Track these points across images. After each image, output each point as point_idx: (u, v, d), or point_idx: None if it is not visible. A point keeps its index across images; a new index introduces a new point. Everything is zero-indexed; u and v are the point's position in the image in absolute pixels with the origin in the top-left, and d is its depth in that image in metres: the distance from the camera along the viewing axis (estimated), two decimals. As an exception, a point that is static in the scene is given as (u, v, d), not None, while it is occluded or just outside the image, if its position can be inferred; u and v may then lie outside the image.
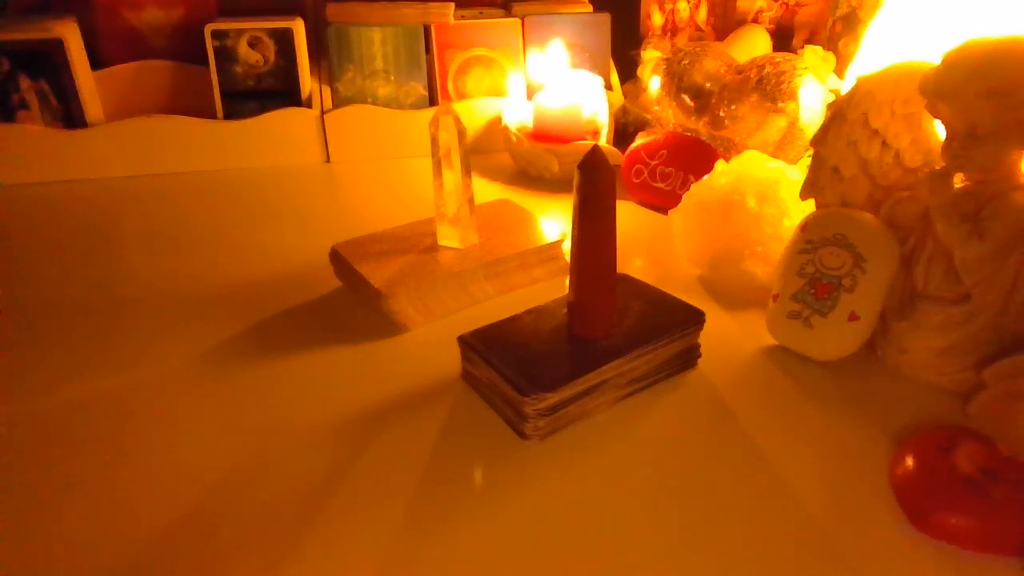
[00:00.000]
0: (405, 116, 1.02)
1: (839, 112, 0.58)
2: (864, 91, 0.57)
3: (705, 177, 0.72)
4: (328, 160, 1.03)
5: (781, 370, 0.57)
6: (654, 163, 0.85)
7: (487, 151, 1.04)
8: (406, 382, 0.56)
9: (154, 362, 0.59)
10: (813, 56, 0.83)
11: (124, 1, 1.01)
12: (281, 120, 0.99)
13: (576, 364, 0.50)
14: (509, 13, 1.08)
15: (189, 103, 1.01)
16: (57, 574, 0.41)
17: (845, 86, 0.84)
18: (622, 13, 1.16)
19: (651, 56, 1.04)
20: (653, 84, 0.92)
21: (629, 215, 0.85)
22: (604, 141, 0.98)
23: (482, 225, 0.70)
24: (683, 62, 0.88)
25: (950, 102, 0.51)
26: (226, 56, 0.98)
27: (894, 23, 0.77)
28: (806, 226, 0.59)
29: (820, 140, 0.59)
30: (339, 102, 1.02)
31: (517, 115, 0.99)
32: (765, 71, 0.81)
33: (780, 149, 0.81)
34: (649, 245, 0.78)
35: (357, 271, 0.64)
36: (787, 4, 1.01)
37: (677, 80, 0.88)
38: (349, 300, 0.67)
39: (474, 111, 1.03)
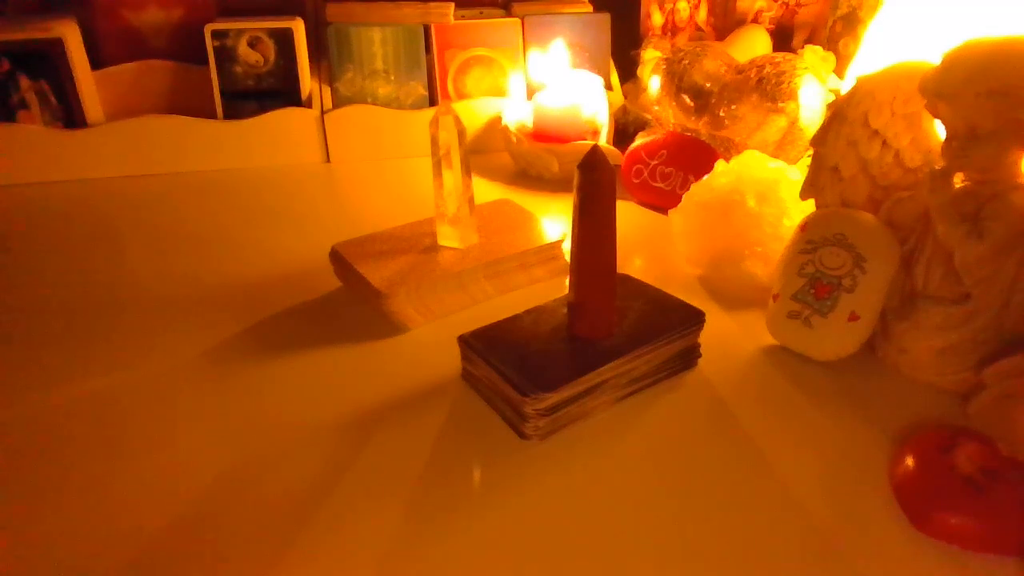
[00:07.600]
0: (405, 116, 1.02)
1: (839, 112, 0.58)
2: (864, 91, 0.57)
3: (705, 177, 0.72)
4: (328, 160, 1.03)
5: (781, 370, 0.57)
6: (654, 163, 0.85)
7: (487, 151, 1.03)
8: (406, 382, 0.56)
9: (154, 362, 0.59)
10: (813, 56, 0.83)
11: (124, 1, 1.01)
12: (281, 120, 0.99)
13: (576, 364, 0.50)
14: (509, 13, 1.08)
15: (189, 103, 1.01)
16: (56, 573, 0.41)
17: (845, 86, 0.84)
18: (622, 13, 1.16)
19: (651, 56, 1.04)
20: (653, 84, 0.92)
21: (629, 215, 0.85)
22: (604, 141, 0.98)
23: (482, 225, 0.70)
24: (683, 62, 0.88)
25: (950, 102, 0.51)
26: (226, 56, 0.98)
27: (894, 23, 0.77)
28: (806, 226, 0.59)
29: (820, 140, 0.59)
30: (339, 102, 1.02)
31: (517, 115, 0.99)
32: (765, 71, 0.81)
33: (780, 149, 0.81)
34: (649, 245, 0.78)
35: (357, 271, 0.64)
36: (787, 4, 1.00)
37: (677, 80, 0.88)
38: (349, 300, 0.67)
39: (474, 111, 1.03)
